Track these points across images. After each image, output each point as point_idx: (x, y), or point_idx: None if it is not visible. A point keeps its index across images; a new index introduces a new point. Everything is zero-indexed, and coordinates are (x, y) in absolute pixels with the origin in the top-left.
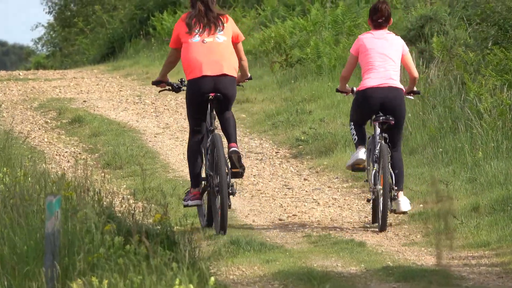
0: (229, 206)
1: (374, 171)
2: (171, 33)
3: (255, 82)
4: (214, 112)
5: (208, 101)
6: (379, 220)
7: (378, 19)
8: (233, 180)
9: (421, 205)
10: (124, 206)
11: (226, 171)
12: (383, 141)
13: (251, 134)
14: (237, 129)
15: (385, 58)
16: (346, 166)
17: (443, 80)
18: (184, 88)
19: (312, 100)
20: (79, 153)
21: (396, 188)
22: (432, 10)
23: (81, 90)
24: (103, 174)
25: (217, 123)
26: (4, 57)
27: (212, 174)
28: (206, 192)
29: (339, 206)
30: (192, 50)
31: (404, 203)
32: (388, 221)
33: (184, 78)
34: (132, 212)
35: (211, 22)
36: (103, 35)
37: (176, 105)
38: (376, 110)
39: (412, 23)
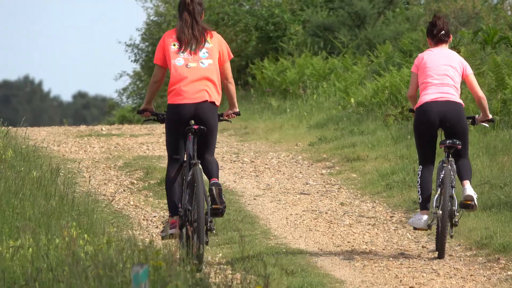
0: (207, 243)
1: (437, 195)
2: (273, 83)
3: (366, 137)
4: (195, 144)
5: (190, 131)
6: (437, 246)
7: (438, 33)
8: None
9: None
10: (220, 277)
11: (206, 207)
12: (448, 166)
13: (362, 196)
14: (346, 189)
15: (444, 74)
16: (408, 223)
17: None
18: None
19: None
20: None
21: (461, 180)
22: None
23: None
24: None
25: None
26: (84, 111)
27: (191, 209)
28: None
29: (461, 277)
30: (175, 74)
31: (469, 188)
32: None
33: None
34: (230, 284)
35: (196, 36)
36: None
37: (278, 164)
38: (437, 127)
39: None
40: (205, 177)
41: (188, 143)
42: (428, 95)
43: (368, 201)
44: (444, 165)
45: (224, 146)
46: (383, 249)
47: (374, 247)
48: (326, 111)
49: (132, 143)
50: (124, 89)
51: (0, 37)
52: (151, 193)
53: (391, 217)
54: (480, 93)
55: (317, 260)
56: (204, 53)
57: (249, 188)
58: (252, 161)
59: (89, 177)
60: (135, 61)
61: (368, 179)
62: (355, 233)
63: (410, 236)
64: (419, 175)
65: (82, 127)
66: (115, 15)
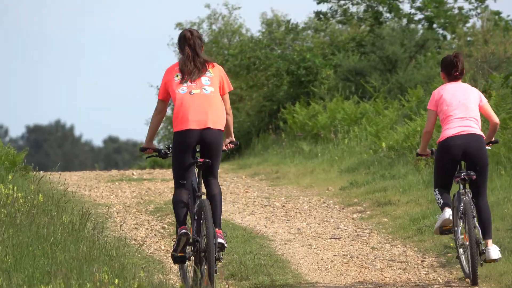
0: (215, 271)
1: (460, 227)
2: (304, 127)
3: (398, 182)
4: (201, 178)
5: (196, 164)
6: (470, 275)
7: (455, 72)
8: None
9: None
10: None
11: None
12: (466, 197)
13: (393, 240)
14: (377, 234)
15: (464, 108)
16: (434, 231)
17: None
18: (170, 154)
19: None
20: None
21: (484, 238)
22: None
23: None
24: (227, 286)
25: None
26: (115, 155)
27: (199, 239)
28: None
29: None
30: (179, 102)
31: (494, 251)
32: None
33: (171, 145)
34: None
35: (197, 67)
36: None
37: (309, 208)
38: (459, 160)
39: None
40: None
41: (193, 176)
42: (451, 130)
43: (399, 246)
44: (462, 196)
45: (255, 191)
46: None
47: None
48: (357, 156)
49: (163, 188)
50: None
51: (31, 82)
52: None
53: (422, 261)
54: (496, 119)
55: None
56: (206, 80)
57: (280, 232)
58: (283, 206)
59: (120, 221)
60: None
61: (399, 223)
62: (386, 277)
63: (441, 281)
64: (436, 193)
65: (113, 172)
66: (147, 59)
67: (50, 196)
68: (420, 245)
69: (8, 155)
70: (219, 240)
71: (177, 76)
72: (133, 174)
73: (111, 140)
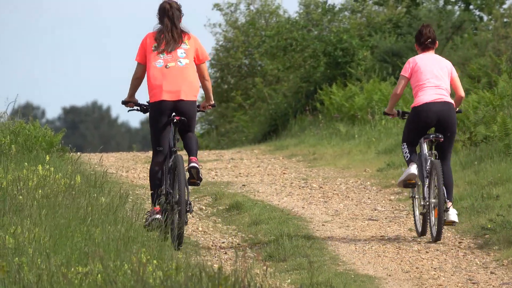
0: (186, 223)
1: (425, 186)
2: (341, 108)
3: None
4: (178, 134)
5: (171, 122)
6: (432, 231)
7: (425, 41)
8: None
9: None
10: None
11: (186, 190)
12: (433, 158)
13: None
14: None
15: (437, 76)
16: (397, 184)
17: None
18: None
19: (499, 183)
20: (238, 244)
21: (447, 200)
22: None
23: (240, 173)
24: (265, 268)
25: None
26: None
27: (172, 192)
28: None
29: None
30: (155, 74)
31: (452, 213)
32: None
33: None
34: None
35: (174, 38)
36: (265, 111)
37: (346, 190)
38: (432, 125)
39: None
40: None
41: (169, 133)
42: (426, 96)
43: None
44: (429, 157)
45: (292, 172)
46: (451, 275)
47: (442, 273)
48: (394, 137)
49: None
50: None
51: (68, 63)
52: (219, 219)
53: (459, 243)
54: (462, 92)
55: (386, 286)
56: (181, 53)
57: (318, 214)
58: (321, 187)
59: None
60: None
61: None
62: (423, 259)
63: (478, 262)
64: (405, 147)
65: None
66: None
67: (88, 178)
68: (457, 227)
69: (45, 137)
70: (193, 163)
71: (154, 46)
72: None
73: (148, 122)
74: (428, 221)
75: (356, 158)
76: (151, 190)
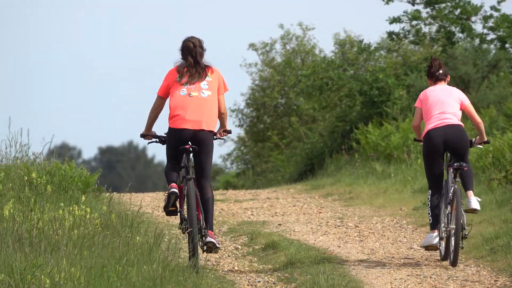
0: (206, 247)
1: (447, 212)
2: (377, 147)
3: None
4: (191, 162)
5: (185, 151)
6: (450, 257)
7: (436, 72)
8: None
9: None
10: None
11: (199, 218)
12: (456, 185)
13: (467, 260)
14: None
15: (443, 104)
16: (420, 246)
17: None
18: None
19: None
20: (274, 283)
21: (466, 190)
22: None
23: (276, 212)
24: None
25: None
26: None
27: (187, 219)
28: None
29: None
30: (178, 102)
31: (474, 201)
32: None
33: None
34: None
35: (198, 72)
36: (301, 150)
37: (382, 228)
38: (442, 149)
39: None
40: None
41: (184, 160)
42: (431, 124)
43: (472, 265)
44: (452, 184)
45: (328, 211)
46: None
47: None
48: None
49: (236, 209)
50: (229, 155)
51: (105, 104)
52: (255, 258)
53: (495, 281)
54: (478, 119)
55: None
56: (204, 84)
57: (354, 253)
58: (357, 226)
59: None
60: (240, 126)
61: (472, 243)
62: None
63: None
64: (429, 199)
65: None
66: None
67: (123, 217)
68: (493, 265)
69: (81, 177)
70: (209, 239)
71: (178, 77)
72: None
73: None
74: (449, 246)
75: (392, 197)
76: (166, 180)
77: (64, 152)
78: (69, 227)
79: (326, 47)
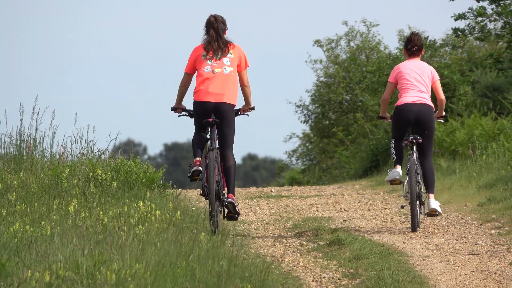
0: (220, 212)
1: (406, 182)
2: (442, 143)
3: None
4: (215, 133)
5: (208, 124)
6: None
7: (412, 48)
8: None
9: None
10: None
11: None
12: (412, 156)
13: None
14: None
15: (419, 81)
16: (385, 181)
17: None
18: None
19: None
20: (339, 279)
21: (427, 192)
22: None
23: (341, 208)
24: None
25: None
26: (254, 172)
27: (207, 186)
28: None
29: None
30: (202, 78)
31: (434, 202)
32: None
33: None
34: None
35: (220, 48)
36: (366, 146)
37: (447, 224)
38: (412, 123)
39: None
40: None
41: (210, 133)
42: (408, 97)
43: None
44: (409, 156)
45: (393, 207)
46: None
47: None
48: (495, 172)
49: (301, 205)
50: (294, 151)
51: (171, 102)
52: (320, 254)
53: None
54: (442, 96)
55: None
56: (227, 61)
57: (418, 248)
58: (421, 222)
59: (259, 239)
60: (305, 122)
61: None
62: None
63: None
64: (393, 144)
65: (252, 189)
66: (285, 76)
67: (188, 214)
68: None
69: (147, 173)
70: (229, 200)
71: (203, 55)
72: (271, 191)
73: (250, 158)
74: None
75: (457, 193)
76: (193, 148)
77: (129, 149)
78: (134, 223)
79: (391, 44)
